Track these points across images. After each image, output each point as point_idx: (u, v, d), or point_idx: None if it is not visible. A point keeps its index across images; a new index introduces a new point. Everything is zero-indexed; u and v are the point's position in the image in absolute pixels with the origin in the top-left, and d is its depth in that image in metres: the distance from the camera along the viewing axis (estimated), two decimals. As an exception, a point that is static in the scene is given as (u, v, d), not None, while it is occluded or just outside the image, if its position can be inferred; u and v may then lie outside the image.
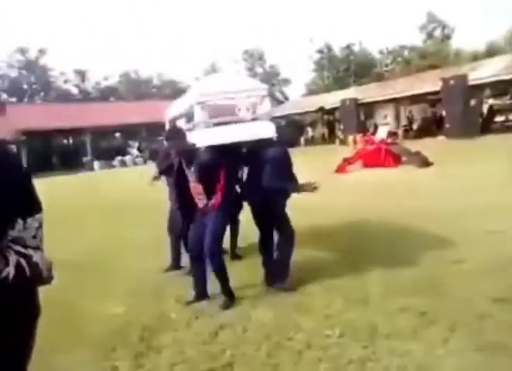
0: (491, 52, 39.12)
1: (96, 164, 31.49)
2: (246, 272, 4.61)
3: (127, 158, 32.95)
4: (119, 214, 9.37)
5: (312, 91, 55.91)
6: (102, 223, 8.55)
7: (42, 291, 1.44)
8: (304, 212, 5.85)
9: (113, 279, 5.00)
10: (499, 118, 20.84)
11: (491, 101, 24.22)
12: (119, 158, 32.51)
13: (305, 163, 6.89)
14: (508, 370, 2.55)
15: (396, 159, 13.48)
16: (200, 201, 3.91)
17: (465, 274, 4.02)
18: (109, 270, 5.33)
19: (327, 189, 5.05)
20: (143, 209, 8.92)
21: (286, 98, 50.95)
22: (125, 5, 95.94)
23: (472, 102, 19.82)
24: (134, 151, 34.68)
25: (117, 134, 42.61)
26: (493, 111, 22.20)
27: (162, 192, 5.32)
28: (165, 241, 5.15)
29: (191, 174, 3.94)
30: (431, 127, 23.46)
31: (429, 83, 22.82)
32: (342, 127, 26.58)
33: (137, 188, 9.70)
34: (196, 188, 3.92)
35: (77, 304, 4.27)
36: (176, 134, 4.03)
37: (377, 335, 3.09)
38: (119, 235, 7.16)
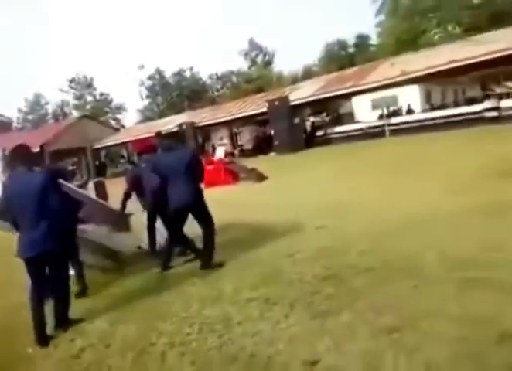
0: (307, 75, 44.13)
1: None
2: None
3: None
4: None
5: (147, 117, 55.85)
6: None
7: None
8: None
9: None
10: (319, 133, 23.55)
11: (312, 119, 27.24)
12: None
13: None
14: (337, 330, 3.13)
15: (235, 176, 14.40)
16: None
17: (298, 263, 4.71)
18: None
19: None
20: None
21: (122, 126, 49.90)
22: None
23: (296, 120, 22.11)
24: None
25: None
26: (314, 127, 25.02)
27: None
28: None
29: None
30: (263, 145, 25.39)
31: (257, 105, 24.81)
32: (181, 150, 27.09)
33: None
34: None
35: None
36: None
37: (230, 324, 3.48)
38: None
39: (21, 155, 3.97)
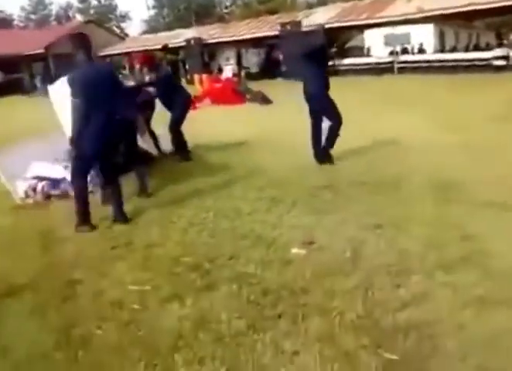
0: (322, 1, 42.46)
1: None
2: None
3: None
4: None
5: (152, 28, 54.10)
6: None
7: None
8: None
9: None
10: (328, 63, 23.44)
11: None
12: None
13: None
14: (331, 224, 3.77)
15: (241, 97, 14.66)
16: None
17: (301, 171, 5.33)
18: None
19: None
20: None
21: (126, 35, 48.51)
22: None
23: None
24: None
25: None
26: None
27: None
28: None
29: None
30: (270, 69, 25.23)
31: (269, 27, 24.35)
32: (187, 66, 26.87)
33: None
34: None
35: None
36: None
37: (241, 214, 4.14)
38: None
39: (86, 44, 4.09)
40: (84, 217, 4.04)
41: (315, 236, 3.52)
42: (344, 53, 26.25)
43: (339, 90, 5.94)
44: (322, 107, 5.62)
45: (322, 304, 2.56)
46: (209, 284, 2.91)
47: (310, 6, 37.64)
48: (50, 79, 29.42)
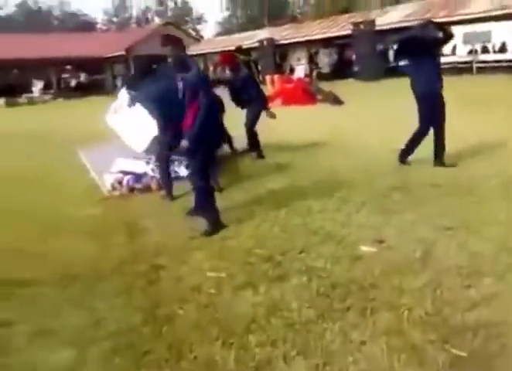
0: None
1: (0, 101, 29.50)
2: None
3: (35, 95, 31.24)
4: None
5: (226, 30, 55.32)
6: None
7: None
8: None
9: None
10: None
11: (396, 47, 26.17)
12: (26, 95, 30.68)
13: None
14: (400, 224, 3.81)
15: (312, 97, 14.73)
16: None
17: (371, 172, 5.37)
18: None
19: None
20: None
21: (201, 36, 50.00)
22: None
23: (380, 46, 21.51)
24: (40, 88, 32.88)
25: (15, 71, 39.11)
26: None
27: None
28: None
29: None
30: (342, 69, 25.02)
31: (341, 27, 24.15)
32: (260, 67, 27.27)
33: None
34: None
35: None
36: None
37: (311, 212, 4.27)
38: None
39: (181, 46, 3.95)
40: (216, 223, 3.99)
41: (385, 235, 3.58)
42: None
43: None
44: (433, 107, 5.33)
45: (390, 300, 2.64)
46: (280, 275, 3.08)
47: (384, 4, 36.77)
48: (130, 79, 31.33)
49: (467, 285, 2.72)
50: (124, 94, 6.00)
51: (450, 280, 2.80)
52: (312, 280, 2.97)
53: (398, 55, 10.35)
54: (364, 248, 3.38)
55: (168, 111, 4.57)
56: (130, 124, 5.98)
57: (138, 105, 5.29)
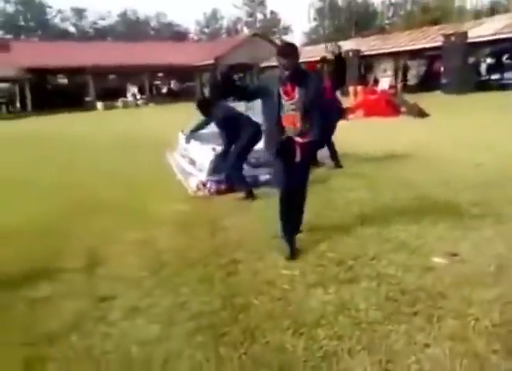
0: (494, 10, 39.23)
1: (99, 104, 31.98)
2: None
3: (129, 99, 33.56)
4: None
5: (313, 40, 55.65)
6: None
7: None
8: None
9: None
10: (495, 76, 21.80)
11: (489, 60, 24.99)
12: (122, 98, 33.04)
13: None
14: (473, 238, 3.80)
15: (396, 109, 14.55)
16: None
17: (451, 186, 5.33)
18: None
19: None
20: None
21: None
22: None
23: (471, 59, 20.68)
24: (135, 93, 35.22)
25: (112, 76, 42.02)
26: (490, 69, 23.08)
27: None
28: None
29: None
30: (429, 82, 24.31)
31: (430, 38, 23.49)
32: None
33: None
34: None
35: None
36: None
37: (387, 221, 4.35)
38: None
39: (297, 55, 3.57)
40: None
41: (460, 249, 3.60)
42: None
43: (504, 107, 5.71)
44: None
45: (458, 309, 2.71)
46: (351, 278, 3.23)
47: (478, 16, 35.17)
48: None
49: (540, 302, 2.72)
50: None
51: (523, 296, 2.81)
52: (382, 285, 3.10)
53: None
54: (436, 259, 3.44)
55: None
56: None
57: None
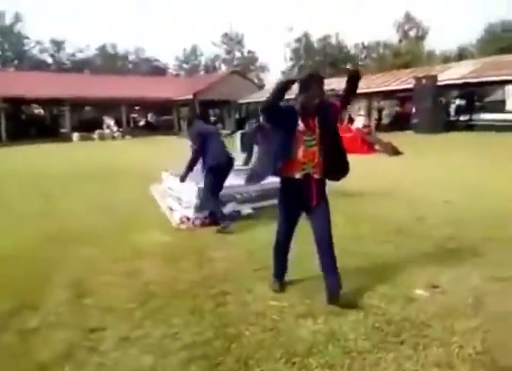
0: (460, 56, 41.49)
1: (75, 135, 31.75)
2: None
3: (105, 131, 33.48)
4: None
5: (288, 79, 57.12)
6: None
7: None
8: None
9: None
10: (463, 117, 22.85)
11: (458, 101, 26.21)
12: (98, 131, 32.94)
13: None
14: (452, 273, 3.98)
15: (370, 147, 15.06)
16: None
17: (426, 222, 5.56)
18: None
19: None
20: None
21: (264, 85, 51.99)
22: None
23: (441, 101, 21.67)
24: (112, 126, 35.26)
25: (89, 108, 41.83)
26: (459, 111, 24.21)
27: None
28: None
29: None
30: (401, 122, 25.24)
31: (402, 81, 24.59)
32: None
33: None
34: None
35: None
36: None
37: (366, 255, 4.50)
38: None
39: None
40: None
41: (439, 282, 3.77)
42: (483, 108, 25.23)
43: (474, 146, 6.07)
44: None
45: (442, 338, 2.84)
46: (337, 311, 3.33)
47: (446, 60, 37.09)
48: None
49: (518, 331, 2.88)
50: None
51: (501, 324, 2.96)
52: (368, 316, 3.21)
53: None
54: (419, 291, 3.59)
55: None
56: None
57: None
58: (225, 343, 2.92)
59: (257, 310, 3.39)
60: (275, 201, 3.91)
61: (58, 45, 60.24)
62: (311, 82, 3.31)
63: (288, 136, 3.33)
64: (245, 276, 4.09)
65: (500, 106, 22.97)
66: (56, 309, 3.54)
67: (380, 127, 25.81)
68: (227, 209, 6.25)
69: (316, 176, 3.44)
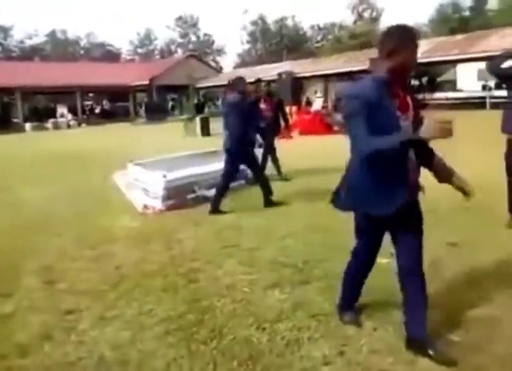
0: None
1: (27, 125, 30.69)
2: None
3: (60, 120, 32.51)
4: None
5: (245, 62, 57.08)
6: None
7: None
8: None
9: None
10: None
11: (412, 82, 27.02)
12: (52, 120, 31.94)
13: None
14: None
15: (329, 128, 15.40)
16: None
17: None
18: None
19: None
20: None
21: (221, 68, 51.66)
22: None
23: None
24: (66, 114, 34.30)
25: (41, 97, 40.52)
26: (413, 91, 24.97)
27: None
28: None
29: None
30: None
31: (358, 61, 25.05)
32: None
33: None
34: None
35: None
36: None
37: (329, 228, 4.74)
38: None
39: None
40: None
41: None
42: (435, 87, 26.12)
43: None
44: None
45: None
46: (303, 280, 3.55)
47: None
48: (153, 108, 32.72)
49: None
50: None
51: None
52: (333, 284, 3.43)
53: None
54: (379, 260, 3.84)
55: None
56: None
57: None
58: (199, 315, 3.08)
59: (227, 283, 3.56)
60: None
61: (5, 31, 57.57)
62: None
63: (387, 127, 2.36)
64: (214, 253, 4.25)
65: (451, 85, 23.88)
66: (30, 295, 3.59)
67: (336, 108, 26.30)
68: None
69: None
